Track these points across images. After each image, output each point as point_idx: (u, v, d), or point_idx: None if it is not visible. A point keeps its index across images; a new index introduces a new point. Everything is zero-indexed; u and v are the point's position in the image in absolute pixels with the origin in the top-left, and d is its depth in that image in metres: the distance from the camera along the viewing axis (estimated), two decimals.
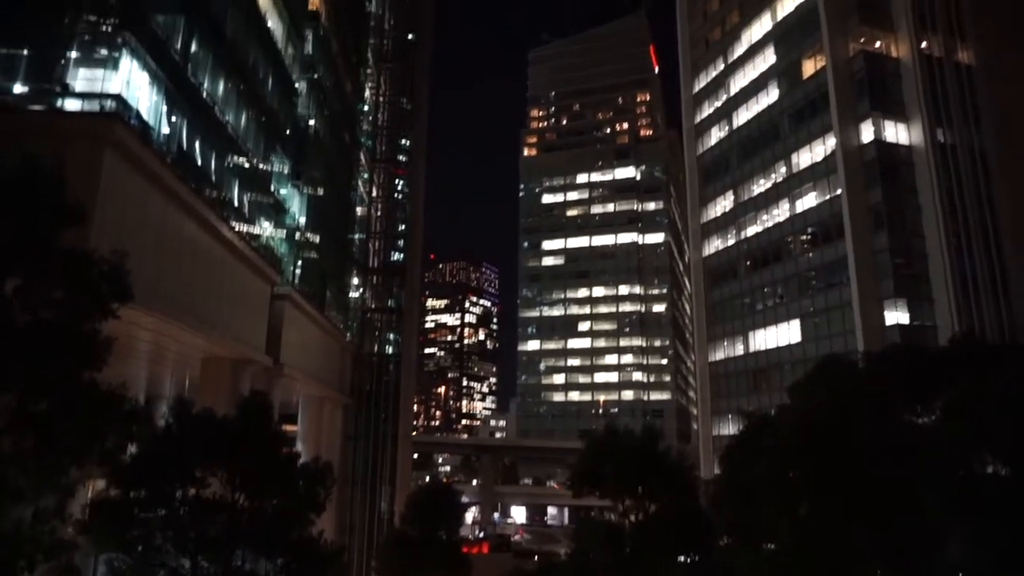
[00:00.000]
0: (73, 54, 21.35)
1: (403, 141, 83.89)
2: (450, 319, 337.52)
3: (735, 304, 66.52)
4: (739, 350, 65.27)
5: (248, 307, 34.30)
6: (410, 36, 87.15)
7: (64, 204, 10.55)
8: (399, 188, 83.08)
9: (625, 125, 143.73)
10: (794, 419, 21.08)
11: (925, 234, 51.18)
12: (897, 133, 53.38)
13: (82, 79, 21.24)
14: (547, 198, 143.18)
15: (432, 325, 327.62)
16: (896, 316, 50.43)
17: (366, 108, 68.45)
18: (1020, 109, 53.15)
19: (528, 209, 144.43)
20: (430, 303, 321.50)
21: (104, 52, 21.28)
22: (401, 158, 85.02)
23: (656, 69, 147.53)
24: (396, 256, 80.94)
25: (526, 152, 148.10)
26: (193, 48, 25.96)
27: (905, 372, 23.08)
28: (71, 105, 20.92)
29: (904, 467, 19.39)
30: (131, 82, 21.88)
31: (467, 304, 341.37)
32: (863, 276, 51.33)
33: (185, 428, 17.14)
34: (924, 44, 53.35)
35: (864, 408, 20.58)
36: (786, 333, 59.30)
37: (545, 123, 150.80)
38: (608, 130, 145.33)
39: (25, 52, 21.33)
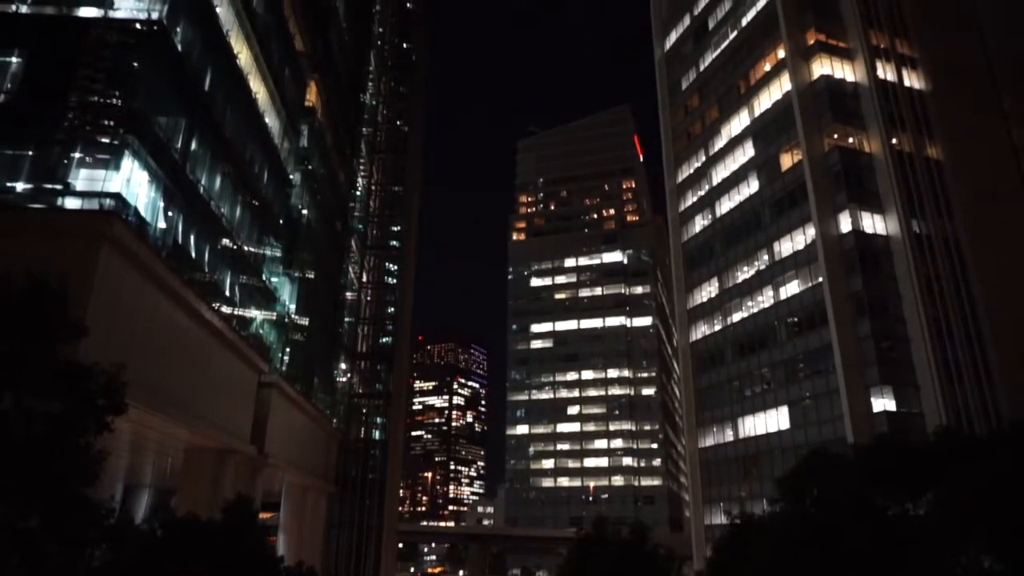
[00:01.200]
0: (77, 154, 22.13)
1: (394, 227, 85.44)
2: (438, 401, 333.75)
3: (723, 390, 66.58)
4: (728, 436, 64.89)
5: (234, 396, 34.12)
6: (402, 125, 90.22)
7: (66, 321, 10.79)
8: (390, 271, 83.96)
9: (612, 211, 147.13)
10: (784, 524, 20.94)
11: (907, 320, 52.09)
12: (874, 223, 55.10)
13: (83, 178, 21.94)
14: (535, 281, 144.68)
15: (419, 407, 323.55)
16: (883, 403, 50.65)
17: (358, 195, 69.98)
18: (986, 202, 55.39)
19: (517, 292, 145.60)
20: (418, 385, 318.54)
21: (106, 153, 22.05)
22: (393, 243, 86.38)
23: (641, 157, 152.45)
24: (385, 339, 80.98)
25: (515, 237, 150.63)
26: (193, 146, 26.91)
27: (893, 467, 23.22)
28: (72, 203, 21.52)
29: (896, 565, 19.24)
30: (131, 180, 22.59)
31: (455, 386, 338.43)
32: (848, 363, 51.82)
33: (169, 535, 16.82)
34: (894, 140, 55.82)
35: (853, 507, 20.54)
36: (775, 419, 59.19)
37: (533, 208, 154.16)
38: (595, 215, 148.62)
39: (30, 152, 22.15)
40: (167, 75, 24.35)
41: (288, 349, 43.48)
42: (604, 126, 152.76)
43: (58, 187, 21.68)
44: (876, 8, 60.09)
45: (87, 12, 23.21)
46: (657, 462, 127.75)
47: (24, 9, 23.14)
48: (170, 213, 25.75)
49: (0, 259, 19.00)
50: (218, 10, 28.19)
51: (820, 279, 55.07)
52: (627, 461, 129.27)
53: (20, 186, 21.60)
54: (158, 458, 36.15)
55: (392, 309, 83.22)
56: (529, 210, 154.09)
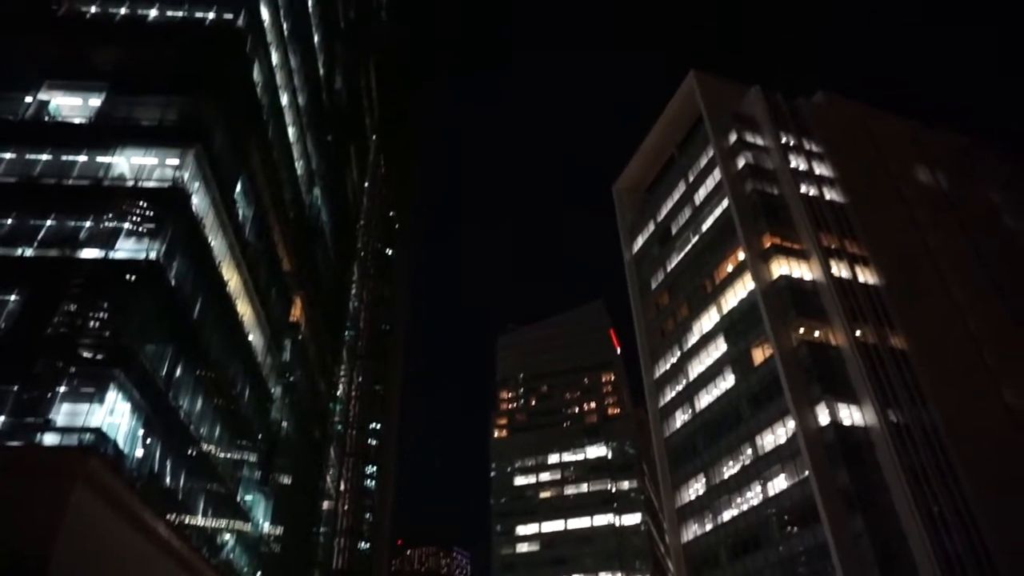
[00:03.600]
0: (62, 388, 22.43)
1: (374, 424, 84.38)
2: None
3: None
4: None
5: None
6: (385, 326, 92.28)
7: None
8: (368, 474, 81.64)
9: (593, 404, 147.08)
10: None
11: (899, 514, 50.88)
12: (852, 415, 55.67)
13: (65, 413, 22.04)
14: (519, 479, 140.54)
15: None
16: None
17: (338, 403, 69.85)
18: (956, 389, 56.80)
19: (500, 491, 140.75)
20: None
21: (92, 387, 22.38)
22: (372, 442, 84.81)
23: (618, 350, 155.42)
24: (364, 545, 76.88)
25: (496, 434, 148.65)
26: (177, 373, 27.36)
27: None
28: (50, 439, 21.43)
29: None
30: (113, 412, 22.73)
31: None
32: (847, 563, 49.74)
33: None
34: (858, 333, 58.17)
35: None
36: None
37: (514, 404, 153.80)
38: (577, 409, 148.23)
39: (15, 388, 22.39)
40: (159, 309, 25.39)
41: (259, 573, 40.99)
42: (581, 321, 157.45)
43: (39, 422, 21.72)
44: (823, 214, 65.40)
45: (89, 254, 24.72)
46: None
47: (29, 252, 24.62)
48: (149, 440, 25.58)
49: None
50: (212, 243, 30.04)
51: (806, 472, 54.44)
52: None
53: (1, 422, 21.62)
54: None
55: (369, 515, 79.99)
56: (510, 406, 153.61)
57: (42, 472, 20.18)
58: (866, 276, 63.27)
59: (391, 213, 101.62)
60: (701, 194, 74.54)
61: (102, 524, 22.22)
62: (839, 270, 62.04)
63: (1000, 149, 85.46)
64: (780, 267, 62.57)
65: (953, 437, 54.45)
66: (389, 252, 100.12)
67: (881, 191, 71.00)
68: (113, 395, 22.69)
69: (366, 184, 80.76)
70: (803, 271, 62.86)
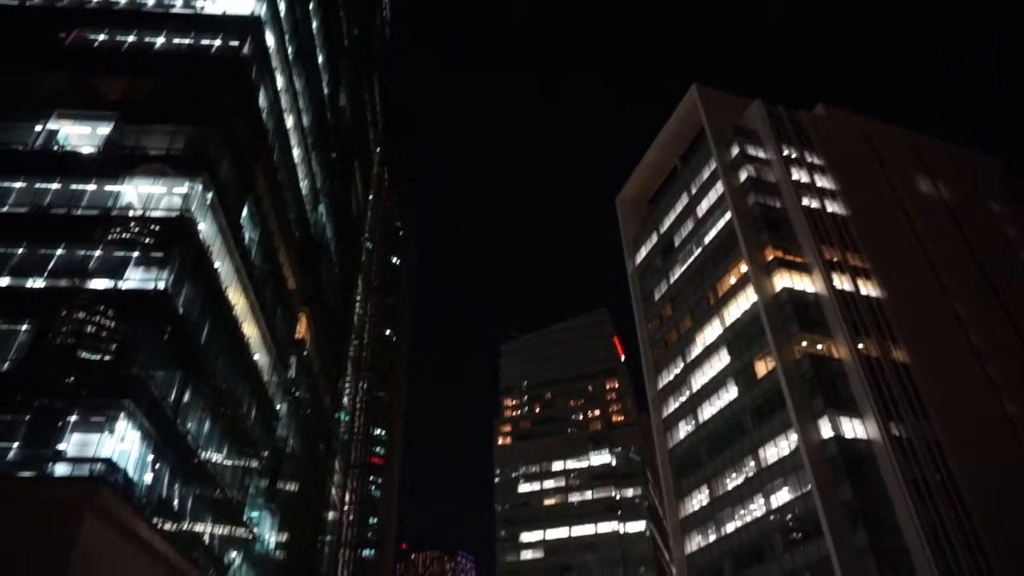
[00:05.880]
0: (73, 418, 22.86)
1: (379, 431, 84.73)
2: None
3: None
4: None
5: None
6: (390, 336, 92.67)
7: None
8: (373, 482, 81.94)
9: (597, 412, 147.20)
10: None
11: (903, 529, 50.89)
12: (854, 428, 55.71)
13: (76, 443, 22.49)
14: (523, 487, 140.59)
15: None
16: None
17: (343, 414, 70.29)
18: (957, 405, 56.88)
19: (504, 497, 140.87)
20: None
21: (102, 417, 22.82)
22: (377, 450, 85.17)
23: (622, 357, 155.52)
24: (367, 552, 77.25)
25: (500, 441, 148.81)
26: (185, 399, 27.80)
27: None
28: (61, 469, 21.87)
29: None
30: (123, 440, 23.15)
31: None
32: None
33: None
34: (860, 346, 58.29)
35: None
36: None
37: (518, 412, 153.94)
38: (580, 417, 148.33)
39: (27, 418, 22.83)
40: (167, 337, 25.80)
41: None
42: (584, 329, 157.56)
43: (49, 453, 22.16)
44: (825, 226, 65.57)
45: (98, 284, 25.18)
46: None
47: (39, 283, 25.08)
48: (158, 466, 26.02)
49: None
50: (218, 268, 30.50)
51: (809, 486, 54.53)
52: None
53: (12, 452, 22.06)
54: None
55: (374, 520, 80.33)
56: (514, 413, 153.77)
57: (53, 504, 20.60)
58: (868, 289, 63.41)
59: (396, 223, 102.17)
60: (704, 207, 74.80)
61: (112, 554, 22.63)
62: (841, 283, 62.21)
63: (1002, 159, 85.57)
64: (782, 280, 62.77)
65: (956, 450, 54.50)
66: (395, 260, 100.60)
67: (883, 203, 71.15)
68: (123, 424, 23.14)
69: (370, 196, 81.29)
70: (805, 284, 63.03)
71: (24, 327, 24.22)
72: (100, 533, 21.62)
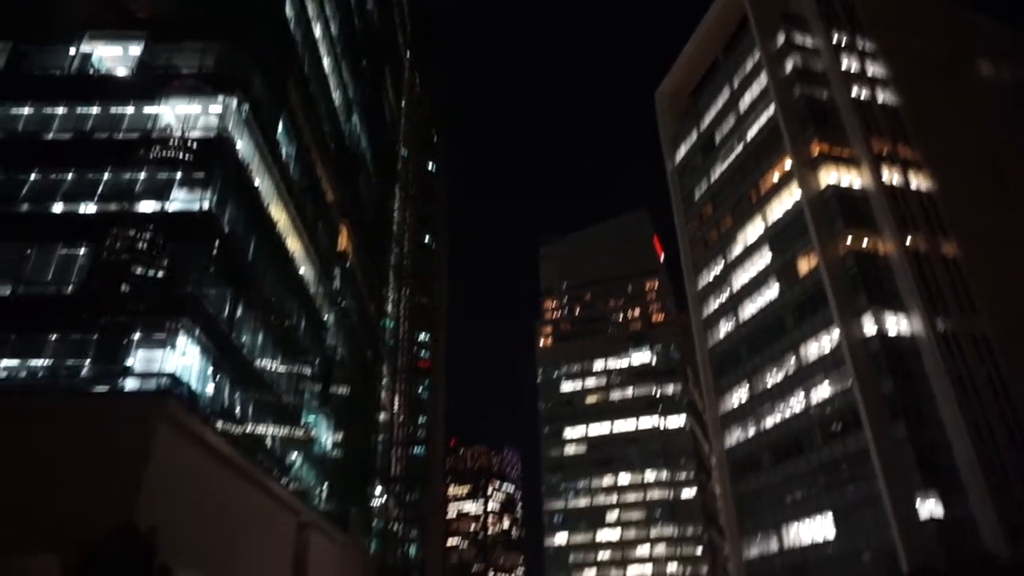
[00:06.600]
0: (136, 336, 24.09)
1: (423, 336, 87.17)
2: (473, 507, 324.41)
3: (763, 497, 65.10)
4: (774, 546, 62.93)
5: (275, 543, 34.68)
6: (429, 242, 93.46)
7: (155, 567, 12.12)
8: (421, 384, 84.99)
9: (637, 311, 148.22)
10: None
11: (945, 423, 51.20)
12: (899, 324, 55.28)
13: (141, 359, 23.81)
14: (565, 386, 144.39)
15: (454, 515, 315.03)
16: (929, 509, 49.22)
17: (388, 320, 72.24)
18: (1010, 298, 55.59)
19: (547, 396, 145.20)
20: (452, 490, 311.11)
21: (162, 334, 24.01)
22: (423, 354, 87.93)
23: (662, 258, 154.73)
24: (417, 449, 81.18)
25: (542, 343, 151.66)
26: (238, 314, 28.95)
27: None
28: (131, 384, 23.30)
29: None
30: (184, 356, 24.43)
31: (490, 490, 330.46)
32: (888, 468, 50.78)
33: None
34: (908, 242, 56.89)
35: None
36: (820, 528, 57.56)
37: (558, 313, 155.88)
38: (620, 317, 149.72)
39: (95, 337, 24.16)
40: (216, 255, 26.59)
41: (325, 485, 44.24)
42: (623, 229, 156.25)
43: (118, 369, 23.56)
44: (875, 117, 62.71)
45: (146, 207, 25.87)
46: (704, 568, 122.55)
47: (91, 208, 25.88)
48: (218, 378, 27.46)
49: (72, 442, 20.90)
50: (258, 185, 30.92)
51: (850, 381, 54.88)
52: (672, 568, 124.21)
53: (85, 370, 23.53)
54: None
55: (424, 418, 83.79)
56: (555, 315, 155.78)
57: (127, 417, 22.08)
58: (919, 182, 61.18)
59: (430, 128, 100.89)
60: (747, 100, 71.89)
61: (183, 459, 24.34)
62: (891, 176, 60.06)
63: None
64: (828, 176, 60.86)
65: (1004, 345, 53.86)
66: (430, 166, 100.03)
67: (938, 90, 67.19)
68: (182, 340, 24.34)
69: (403, 103, 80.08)
70: (852, 179, 61.03)
71: (82, 251, 25.20)
72: (171, 441, 23.21)
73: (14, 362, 23.34)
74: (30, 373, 23.14)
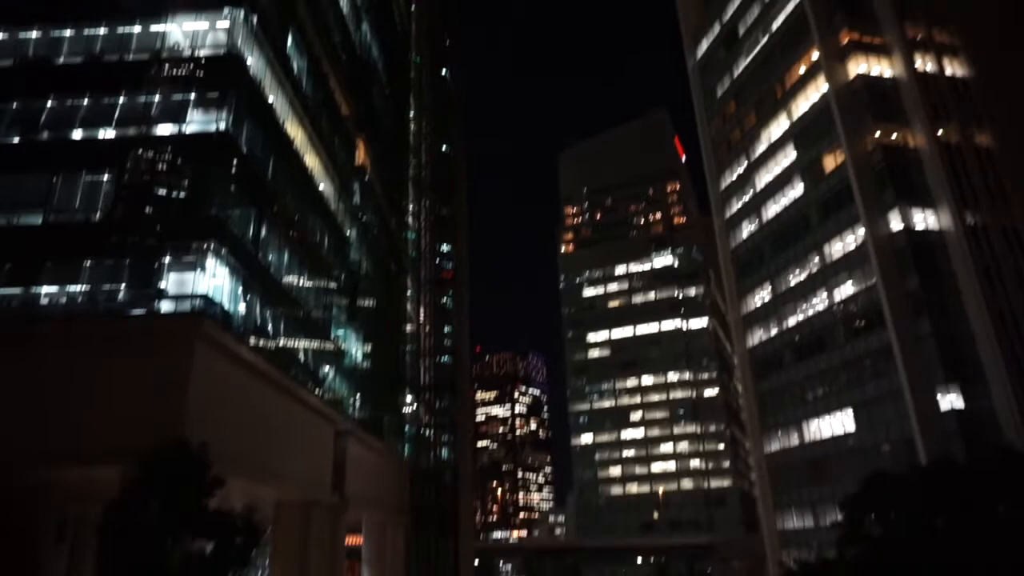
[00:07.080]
0: (167, 259, 24.56)
1: (445, 247, 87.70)
2: (500, 411, 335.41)
3: (785, 394, 66.41)
4: (794, 441, 64.74)
5: (315, 450, 36.43)
6: (447, 151, 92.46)
7: (207, 478, 12.86)
8: (445, 295, 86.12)
9: (658, 215, 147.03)
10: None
11: (969, 316, 51.16)
12: (926, 218, 54.37)
13: (174, 282, 24.37)
14: (588, 291, 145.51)
15: (482, 418, 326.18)
16: (950, 400, 49.99)
17: (410, 232, 72.51)
18: None
19: (570, 301, 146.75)
20: (479, 395, 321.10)
21: (192, 257, 24.46)
22: (446, 264, 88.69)
23: (683, 159, 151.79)
24: (445, 358, 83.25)
25: (563, 248, 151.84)
26: (263, 234, 29.29)
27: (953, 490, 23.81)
28: (166, 306, 23.97)
29: None
30: (214, 278, 24.96)
31: (516, 395, 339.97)
32: (910, 363, 51.33)
33: None
34: (940, 133, 55.09)
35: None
36: (840, 422, 58.92)
37: (579, 219, 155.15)
38: (642, 221, 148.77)
39: (127, 261, 24.71)
40: (236, 176, 26.65)
41: (358, 395, 45.87)
42: (643, 132, 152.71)
43: (153, 292, 24.19)
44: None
45: (163, 130, 25.80)
46: (726, 463, 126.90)
47: (111, 133, 25.87)
48: (248, 297, 28.12)
49: (116, 364, 21.82)
50: (273, 104, 30.55)
51: (874, 279, 54.68)
52: (695, 464, 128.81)
53: (121, 294, 24.22)
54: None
55: (449, 328, 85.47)
56: (576, 221, 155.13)
57: (167, 337, 22.86)
58: (954, 68, 58.53)
59: (443, 33, 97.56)
60: None
61: (223, 375, 25.32)
62: (924, 64, 57.48)
63: None
64: (858, 65, 58.36)
65: None
66: (444, 73, 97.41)
67: None
68: (211, 262, 24.78)
69: (412, 7, 77.26)
70: (883, 68, 58.51)
71: (106, 177, 25.39)
72: (210, 359, 24.09)
73: (54, 288, 24.03)
74: (70, 299, 23.85)
